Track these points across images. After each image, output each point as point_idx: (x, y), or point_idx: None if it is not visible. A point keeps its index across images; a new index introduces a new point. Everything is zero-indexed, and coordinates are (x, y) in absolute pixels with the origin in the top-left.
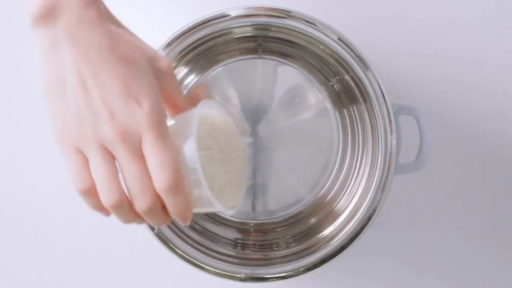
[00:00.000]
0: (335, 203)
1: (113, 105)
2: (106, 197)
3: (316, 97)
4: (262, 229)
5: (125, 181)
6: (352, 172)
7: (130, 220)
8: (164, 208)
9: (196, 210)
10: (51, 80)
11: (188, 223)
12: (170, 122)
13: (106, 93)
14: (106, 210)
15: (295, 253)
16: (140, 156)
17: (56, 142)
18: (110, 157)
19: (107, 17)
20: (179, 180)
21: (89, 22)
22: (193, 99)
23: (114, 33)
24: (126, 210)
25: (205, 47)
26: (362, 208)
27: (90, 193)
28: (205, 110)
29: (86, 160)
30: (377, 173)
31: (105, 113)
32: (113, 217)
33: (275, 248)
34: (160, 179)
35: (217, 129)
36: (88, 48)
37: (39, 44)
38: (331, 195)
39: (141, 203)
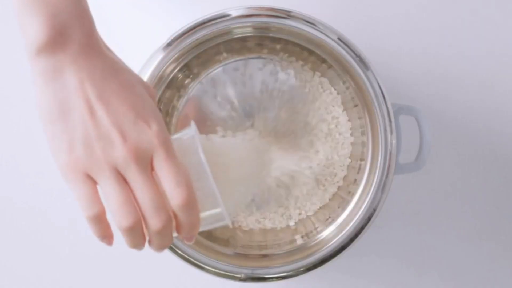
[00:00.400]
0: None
1: (124, 127)
2: (124, 220)
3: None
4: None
5: (139, 202)
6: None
7: (138, 243)
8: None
9: (202, 227)
10: (52, 108)
11: (193, 241)
12: None
13: (115, 116)
14: (111, 238)
15: (295, 253)
16: (152, 176)
17: (62, 170)
18: (123, 180)
19: (104, 45)
20: (194, 195)
21: (92, 49)
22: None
23: (113, 60)
24: (139, 233)
25: (205, 47)
26: (362, 208)
27: (101, 220)
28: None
29: (95, 186)
30: (377, 173)
31: (117, 135)
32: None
33: (275, 248)
34: (177, 195)
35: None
36: (93, 74)
37: (39, 73)
38: None
39: (156, 223)
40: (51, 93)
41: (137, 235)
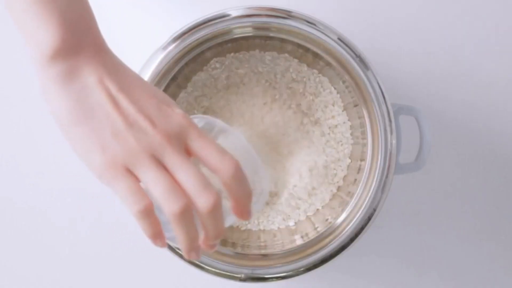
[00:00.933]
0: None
1: (150, 113)
2: (175, 204)
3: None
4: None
5: (184, 184)
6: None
7: (192, 237)
8: None
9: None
10: (73, 110)
11: (250, 218)
12: None
13: (139, 104)
14: (162, 237)
15: (295, 253)
16: (187, 158)
17: (98, 171)
18: (163, 166)
19: (106, 43)
20: (241, 167)
21: (102, 47)
22: None
23: (116, 58)
24: (191, 220)
25: (205, 47)
26: (362, 208)
27: (150, 213)
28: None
29: (137, 180)
30: (377, 173)
31: (145, 122)
32: (114, 218)
33: (275, 248)
34: (227, 165)
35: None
36: (108, 70)
37: (54, 78)
38: None
39: (206, 200)
40: (70, 96)
41: (189, 223)
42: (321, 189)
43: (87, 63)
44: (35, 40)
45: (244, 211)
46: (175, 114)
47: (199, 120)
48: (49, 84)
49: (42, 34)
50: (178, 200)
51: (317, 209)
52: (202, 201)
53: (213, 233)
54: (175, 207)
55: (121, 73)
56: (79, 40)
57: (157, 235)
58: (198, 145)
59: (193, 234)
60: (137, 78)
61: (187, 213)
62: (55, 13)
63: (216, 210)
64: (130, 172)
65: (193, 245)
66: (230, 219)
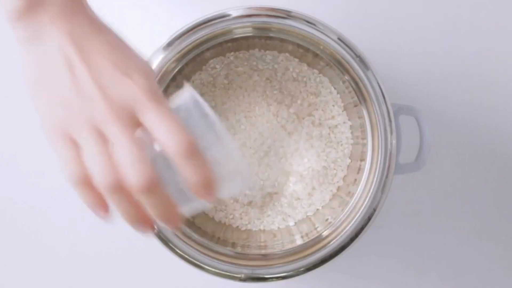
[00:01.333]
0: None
1: (104, 83)
2: (103, 178)
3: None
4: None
5: (118, 160)
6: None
7: (129, 211)
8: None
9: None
10: (34, 70)
11: (214, 200)
12: None
13: (95, 73)
14: (105, 207)
15: (295, 253)
16: (133, 135)
17: (46, 132)
18: (103, 140)
19: (90, 10)
20: (194, 144)
21: (72, 9)
22: None
23: (97, 21)
24: (125, 197)
25: (205, 47)
26: (362, 208)
27: (85, 183)
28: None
29: (77, 149)
30: (377, 173)
31: (96, 91)
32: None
33: (275, 248)
34: (175, 141)
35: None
36: (73, 33)
37: (22, 37)
38: None
39: (136, 177)
40: (34, 59)
41: (123, 199)
42: (321, 189)
43: (50, 25)
44: (4, 1)
45: (202, 192)
46: (132, 84)
47: (189, 95)
48: (19, 45)
49: None
50: (106, 176)
51: (317, 209)
52: (132, 179)
53: (156, 214)
54: (103, 181)
55: (87, 36)
56: (42, 0)
57: (96, 206)
58: (149, 118)
59: (129, 209)
60: (106, 43)
61: (116, 189)
62: None
63: (149, 190)
64: (71, 140)
65: (132, 220)
66: (199, 203)
